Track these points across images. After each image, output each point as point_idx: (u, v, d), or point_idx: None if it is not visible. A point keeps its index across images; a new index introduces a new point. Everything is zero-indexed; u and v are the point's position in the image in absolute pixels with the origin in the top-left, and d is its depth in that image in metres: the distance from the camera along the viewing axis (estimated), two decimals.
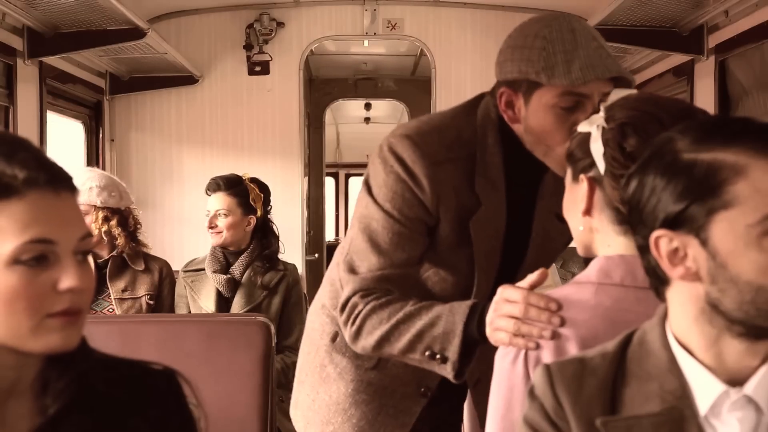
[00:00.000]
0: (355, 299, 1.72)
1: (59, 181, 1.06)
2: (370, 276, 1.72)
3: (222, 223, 3.18)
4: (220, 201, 3.20)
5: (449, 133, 1.75)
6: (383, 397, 1.92)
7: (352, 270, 1.74)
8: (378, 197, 1.73)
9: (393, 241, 1.71)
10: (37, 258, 1.03)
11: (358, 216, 1.77)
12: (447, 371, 1.63)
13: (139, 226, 3.18)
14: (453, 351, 1.59)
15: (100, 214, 3.06)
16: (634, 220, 1.10)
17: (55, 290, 1.04)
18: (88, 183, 3.07)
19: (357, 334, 1.72)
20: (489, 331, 1.44)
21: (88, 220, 3.04)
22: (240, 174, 3.30)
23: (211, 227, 3.19)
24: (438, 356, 1.62)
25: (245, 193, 3.23)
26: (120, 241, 3.09)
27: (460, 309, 1.60)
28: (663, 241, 1.05)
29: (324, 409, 1.95)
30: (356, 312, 1.71)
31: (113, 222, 3.08)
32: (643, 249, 1.09)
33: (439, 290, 1.81)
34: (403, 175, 1.70)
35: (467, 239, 1.75)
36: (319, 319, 2.00)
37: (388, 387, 1.92)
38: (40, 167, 1.05)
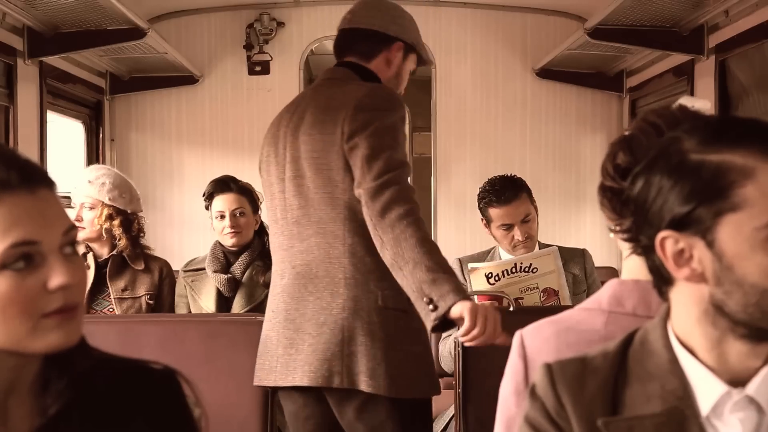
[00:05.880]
0: (409, 203, 2.13)
1: (33, 179, 1.04)
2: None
3: (242, 222, 3.18)
4: (236, 200, 3.18)
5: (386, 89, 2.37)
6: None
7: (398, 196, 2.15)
8: (395, 142, 2.20)
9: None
10: (22, 261, 1.01)
11: (391, 167, 2.14)
12: (430, 318, 2.06)
13: (142, 234, 3.18)
14: (443, 308, 2.04)
15: (105, 211, 3.08)
16: (639, 219, 1.09)
17: (46, 290, 1.02)
18: (102, 179, 3.10)
19: (399, 221, 2.09)
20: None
21: (94, 214, 3.06)
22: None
23: (233, 227, 3.16)
24: (431, 305, 2.05)
25: (250, 193, 3.23)
26: (121, 242, 3.09)
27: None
28: (669, 242, 1.05)
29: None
30: (412, 209, 2.12)
31: (116, 222, 3.08)
32: (648, 249, 1.09)
33: None
34: (403, 113, 2.26)
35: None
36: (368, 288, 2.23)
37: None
38: (11, 167, 1.03)
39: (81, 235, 3.07)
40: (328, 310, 2.20)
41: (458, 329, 2.09)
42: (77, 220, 3.06)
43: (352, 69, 2.38)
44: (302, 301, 2.24)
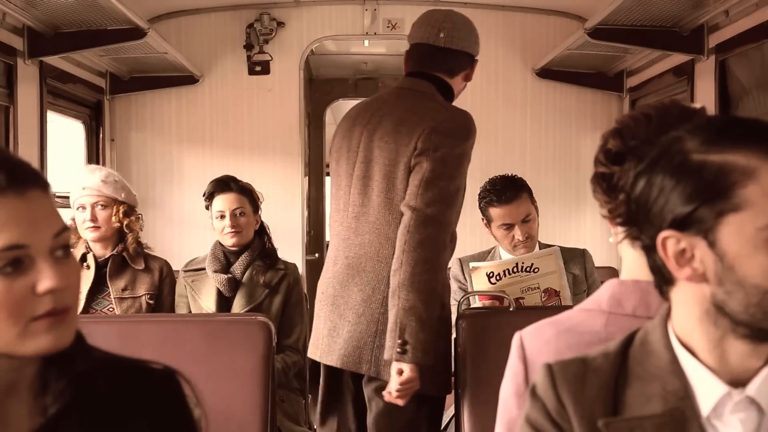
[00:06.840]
0: (441, 249, 2.36)
1: (23, 181, 1.03)
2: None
3: (242, 222, 3.18)
4: (236, 200, 3.19)
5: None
6: None
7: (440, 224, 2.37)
8: (457, 171, 2.40)
9: (460, 203, 2.44)
10: (10, 265, 1.00)
11: (443, 197, 2.35)
12: (392, 355, 2.31)
13: (140, 230, 3.19)
14: (408, 359, 2.29)
15: (122, 208, 3.10)
16: (640, 219, 1.09)
17: (34, 294, 1.02)
18: (111, 177, 3.13)
19: (425, 260, 2.31)
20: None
21: (109, 212, 3.07)
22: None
23: (233, 227, 3.17)
24: (401, 348, 2.30)
25: (251, 193, 3.24)
26: (131, 237, 3.11)
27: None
28: (670, 242, 1.05)
29: None
30: (439, 255, 2.36)
31: (132, 218, 3.12)
32: (649, 248, 1.09)
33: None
34: (473, 140, 2.49)
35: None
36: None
37: None
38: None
39: (94, 235, 3.07)
40: (368, 303, 2.44)
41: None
42: (91, 221, 3.05)
43: (435, 84, 2.57)
44: (348, 290, 2.49)
